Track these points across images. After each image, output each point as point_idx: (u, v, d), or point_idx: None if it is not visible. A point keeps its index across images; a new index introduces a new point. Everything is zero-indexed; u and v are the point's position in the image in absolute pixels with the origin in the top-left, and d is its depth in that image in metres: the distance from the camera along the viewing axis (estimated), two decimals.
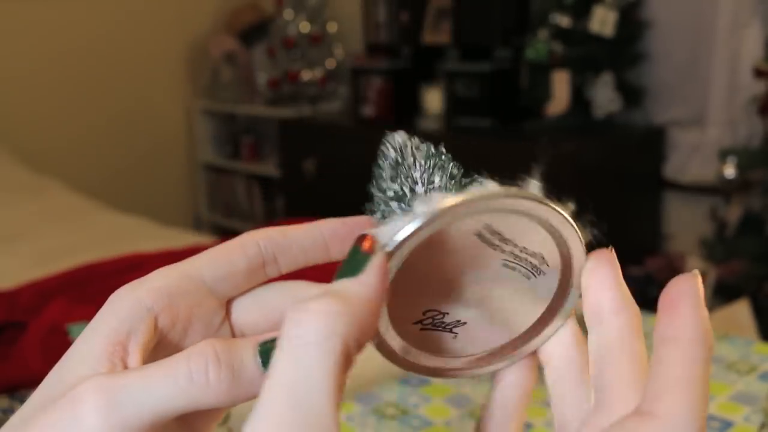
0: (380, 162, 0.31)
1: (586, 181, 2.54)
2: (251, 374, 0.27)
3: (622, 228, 2.69)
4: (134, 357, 0.28)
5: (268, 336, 0.29)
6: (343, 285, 0.26)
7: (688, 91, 2.66)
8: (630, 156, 2.72)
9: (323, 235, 0.32)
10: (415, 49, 3.06)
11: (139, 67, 3.51)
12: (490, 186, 0.30)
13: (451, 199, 0.27)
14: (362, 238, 0.27)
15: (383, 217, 0.30)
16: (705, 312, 0.26)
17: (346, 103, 3.37)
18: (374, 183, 0.31)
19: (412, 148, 0.31)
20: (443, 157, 0.31)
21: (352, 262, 0.26)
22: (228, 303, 0.32)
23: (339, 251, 0.32)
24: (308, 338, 0.24)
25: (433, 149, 0.31)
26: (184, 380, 0.26)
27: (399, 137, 0.31)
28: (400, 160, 0.30)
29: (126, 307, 0.29)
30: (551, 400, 0.30)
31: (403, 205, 0.30)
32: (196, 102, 3.72)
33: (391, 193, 0.30)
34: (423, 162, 0.31)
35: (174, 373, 0.26)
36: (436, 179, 0.30)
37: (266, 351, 0.28)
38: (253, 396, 0.27)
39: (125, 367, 0.28)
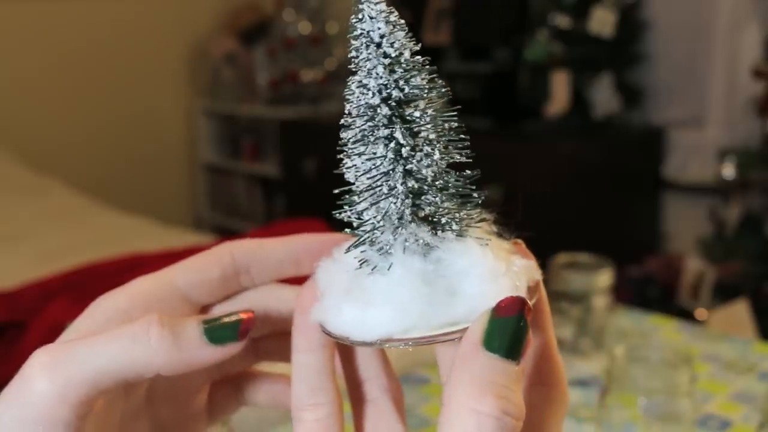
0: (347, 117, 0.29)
1: (586, 181, 2.55)
2: (193, 342, 0.29)
3: (621, 228, 2.69)
4: None
5: (215, 314, 0.30)
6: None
7: (687, 92, 2.66)
8: (629, 156, 2.72)
9: (297, 250, 0.33)
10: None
11: (139, 67, 3.52)
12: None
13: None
14: (523, 306, 0.26)
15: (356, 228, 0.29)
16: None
17: None
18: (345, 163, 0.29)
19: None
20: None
21: (508, 336, 0.26)
22: (205, 310, 0.33)
23: (310, 267, 0.32)
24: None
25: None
26: (127, 339, 0.28)
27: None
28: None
29: (102, 310, 0.31)
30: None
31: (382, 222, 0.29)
32: (196, 102, 3.72)
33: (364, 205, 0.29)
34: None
35: (118, 334, 0.28)
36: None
37: (211, 328, 0.29)
38: (193, 366, 0.29)
39: None
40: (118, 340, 0.28)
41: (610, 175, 2.63)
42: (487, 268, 0.28)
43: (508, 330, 0.25)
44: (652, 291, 2.36)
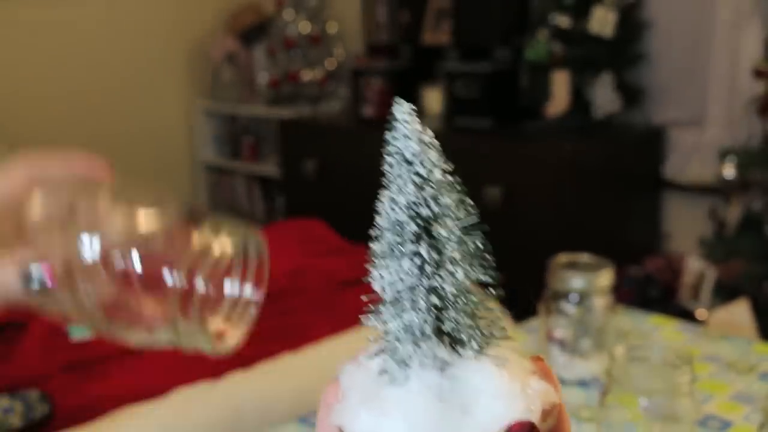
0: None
1: (586, 181, 2.55)
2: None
3: (621, 228, 2.69)
4: None
5: (28, 256, 0.36)
6: None
7: (687, 92, 2.66)
8: (629, 156, 2.72)
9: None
10: (415, 49, 3.06)
11: (140, 67, 3.52)
12: None
13: None
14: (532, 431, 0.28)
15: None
16: None
17: (346, 103, 3.37)
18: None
19: None
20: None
21: None
22: None
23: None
24: None
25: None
26: None
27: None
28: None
29: None
30: None
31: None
32: (196, 102, 3.72)
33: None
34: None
35: None
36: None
37: (25, 270, 0.37)
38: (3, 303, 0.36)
39: None
40: None
41: (610, 175, 2.62)
42: (502, 388, 0.28)
43: None
44: (652, 291, 2.36)
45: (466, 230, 0.30)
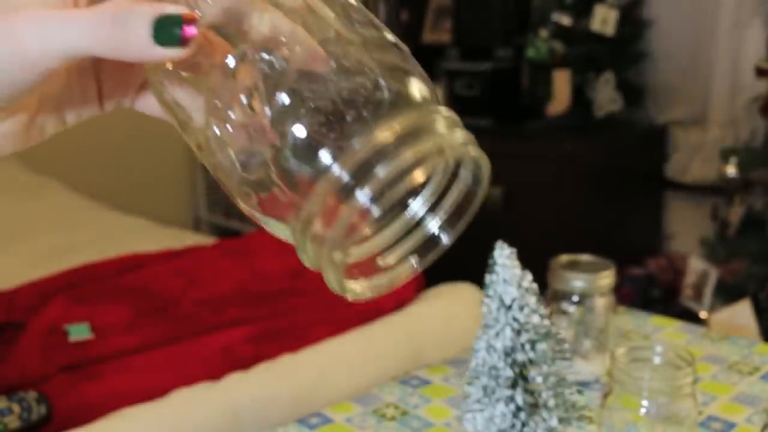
0: None
1: (587, 180, 2.54)
2: (139, 41, 0.32)
3: (623, 228, 2.68)
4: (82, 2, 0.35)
5: (169, 10, 0.33)
6: None
7: (689, 91, 2.66)
8: (631, 156, 2.72)
9: None
10: (415, 48, 3.06)
11: None
12: None
13: None
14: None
15: None
16: None
17: None
18: None
19: None
20: None
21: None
22: None
23: None
24: None
25: None
26: (88, 27, 0.32)
27: None
28: None
29: None
30: None
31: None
32: None
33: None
34: None
35: (82, 21, 0.32)
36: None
37: (161, 24, 0.32)
38: (138, 59, 0.33)
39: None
40: (80, 25, 0.32)
41: (611, 174, 2.62)
42: None
43: None
44: (654, 291, 2.35)
45: (561, 380, 0.30)
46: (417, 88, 0.32)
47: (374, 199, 0.28)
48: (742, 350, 1.02)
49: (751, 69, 2.38)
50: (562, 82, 2.63)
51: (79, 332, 1.46)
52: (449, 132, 0.31)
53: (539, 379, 0.29)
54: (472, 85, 2.74)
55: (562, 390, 0.29)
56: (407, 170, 0.28)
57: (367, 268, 0.33)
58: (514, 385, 0.29)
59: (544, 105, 2.69)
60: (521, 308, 0.29)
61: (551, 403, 0.29)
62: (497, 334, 0.29)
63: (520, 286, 0.29)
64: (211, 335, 1.48)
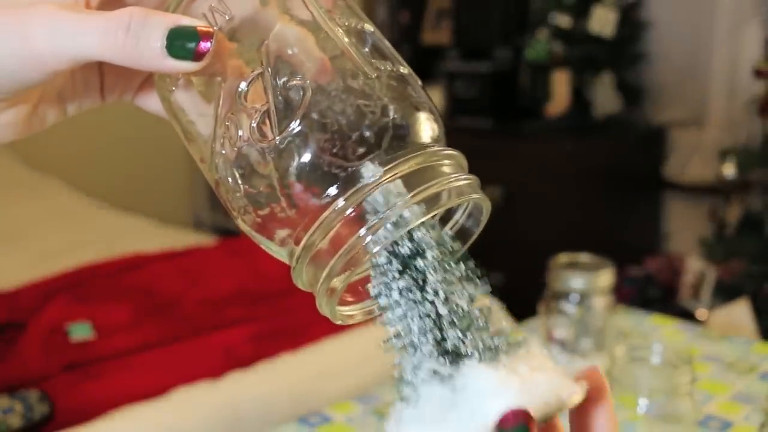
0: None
1: (586, 181, 2.54)
2: (151, 53, 0.32)
3: (621, 228, 2.69)
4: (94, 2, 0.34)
5: (184, 22, 0.32)
6: None
7: (687, 92, 2.66)
8: (630, 156, 2.72)
9: None
10: (415, 49, 3.06)
11: None
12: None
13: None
14: (524, 418, 0.29)
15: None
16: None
17: None
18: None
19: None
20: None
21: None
22: None
23: None
24: None
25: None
26: (101, 34, 0.32)
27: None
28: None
29: None
30: None
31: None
32: None
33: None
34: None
35: (95, 27, 0.32)
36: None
37: (176, 36, 0.31)
38: (150, 69, 0.33)
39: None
40: (94, 31, 0.32)
41: (610, 174, 2.62)
42: (500, 386, 0.30)
43: None
44: (652, 291, 2.36)
45: (449, 258, 0.32)
46: (426, 124, 0.34)
47: (376, 240, 0.30)
48: (740, 349, 1.02)
49: (749, 70, 2.39)
50: (561, 83, 2.64)
51: (81, 331, 1.46)
52: (455, 175, 0.33)
53: (422, 264, 0.30)
54: (471, 85, 2.74)
55: (451, 269, 0.31)
56: (411, 218, 0.30)
57: (358, 291, 0.34)
58: (401, 275, 0.31)
59: (544, 106, 2.69)
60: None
61: (439, 282, 0.31)
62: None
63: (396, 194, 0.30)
64: (212, 335, 1.49)
